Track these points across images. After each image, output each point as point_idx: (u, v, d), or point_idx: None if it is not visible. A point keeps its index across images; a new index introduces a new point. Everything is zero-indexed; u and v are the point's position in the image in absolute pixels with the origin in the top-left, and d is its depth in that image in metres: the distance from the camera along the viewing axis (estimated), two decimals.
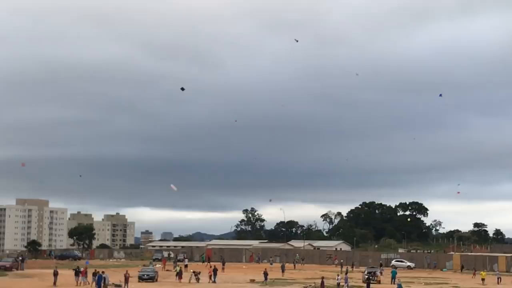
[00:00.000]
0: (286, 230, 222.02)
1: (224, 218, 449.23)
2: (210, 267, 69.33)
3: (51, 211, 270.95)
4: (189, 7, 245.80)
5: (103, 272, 52.97)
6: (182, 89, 67.28)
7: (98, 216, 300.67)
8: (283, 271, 76.77)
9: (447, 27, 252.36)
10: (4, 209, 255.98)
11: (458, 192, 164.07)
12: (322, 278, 53.71)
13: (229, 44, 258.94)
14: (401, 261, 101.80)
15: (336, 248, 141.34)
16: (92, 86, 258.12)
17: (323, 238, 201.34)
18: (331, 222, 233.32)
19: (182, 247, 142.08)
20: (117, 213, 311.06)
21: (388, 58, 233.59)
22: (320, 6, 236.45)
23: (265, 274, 63.73)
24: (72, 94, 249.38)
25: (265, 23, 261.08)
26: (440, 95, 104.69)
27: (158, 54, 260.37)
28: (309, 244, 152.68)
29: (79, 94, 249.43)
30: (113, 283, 55.03)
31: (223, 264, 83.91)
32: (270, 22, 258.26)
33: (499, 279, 70.92)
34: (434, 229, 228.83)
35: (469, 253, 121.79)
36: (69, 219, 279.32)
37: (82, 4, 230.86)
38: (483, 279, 67.98)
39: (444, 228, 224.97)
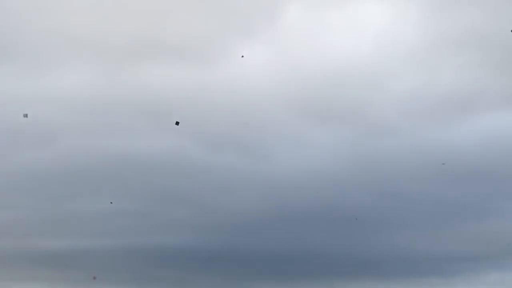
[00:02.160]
0: None
1: None
2: None
3: None
4: (237, 101, 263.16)
5: None
6: (177, 123, 72.73)
7: None
8: None
9: (491, 117, 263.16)
10: None
11: None
12: None
13: (277, 136, 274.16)
14: None
15: None
16: (145, 177, 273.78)
17: None
18: None
19: None
20: None
21: (433, 149, 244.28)
22: (366, 97, 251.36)
23: None
24: (126, 185, 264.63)
25: (313, 114, 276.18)
26: None
27: (210, 145, 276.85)
28: None
29: (133, 185, 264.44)
30: None
31: None
32: (318, 113, 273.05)
33: None
34: None
35: None
36: None
37: (138, 99, 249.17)
38: None
39: None
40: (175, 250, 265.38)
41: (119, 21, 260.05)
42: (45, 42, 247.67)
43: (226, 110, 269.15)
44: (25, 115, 68.72)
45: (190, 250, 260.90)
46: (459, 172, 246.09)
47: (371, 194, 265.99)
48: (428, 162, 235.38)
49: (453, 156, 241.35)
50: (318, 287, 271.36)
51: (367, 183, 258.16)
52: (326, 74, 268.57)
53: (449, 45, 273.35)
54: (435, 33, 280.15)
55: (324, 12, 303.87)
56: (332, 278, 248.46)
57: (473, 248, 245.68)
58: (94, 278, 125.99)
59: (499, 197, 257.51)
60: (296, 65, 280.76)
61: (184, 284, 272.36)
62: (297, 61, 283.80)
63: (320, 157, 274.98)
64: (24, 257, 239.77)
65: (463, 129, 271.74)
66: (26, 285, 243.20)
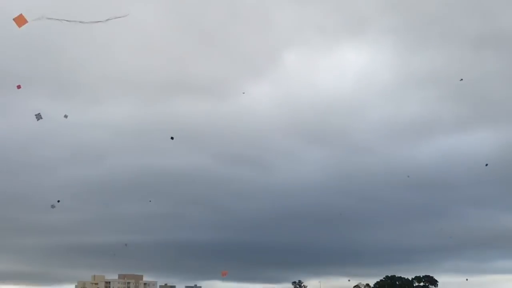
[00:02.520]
0: None
1: None
2: None
3: (145, 284, 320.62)
4: (247, 127, 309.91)
5: None
6: (172, 138, 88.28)
7: (180, 287, 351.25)
8: None
9: (446, 139, 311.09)
10: (109, 282, 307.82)
11: None
12: None
13: (279, 154, 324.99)
14: None
15: None
16: (175, 186, 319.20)
17: None
18: None
19: None
20: (195, 285, 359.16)
21: (400, 164, 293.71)
22: (348, 123, 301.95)
23: None
24: (160, 193, 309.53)
25: (307, 137, 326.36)
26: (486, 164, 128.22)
27: (225, 161, 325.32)
28: None
29: (165, 193, 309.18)
30: None
31: None
32: (311, 136, 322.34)
33: None
34: None
35: None
36: None
37: (169, 126, 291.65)
38: None
39: None
40: (199, 244, 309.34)
41: (155, 65, 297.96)
42: (97, 82, 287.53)
43: (238, 134, 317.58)
44: (65, 116, 75.07)
45: (211, 243, 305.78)
46: (421, 182, 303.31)
47: (352, 200, 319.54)
48: (397, 174, 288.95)
49: (416, 169, 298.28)
50: (311, 271, 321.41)
51: (349, 191, 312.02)
52: (317, 105, 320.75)
53: (413, 83, 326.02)
54: (402, 73, 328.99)
55: (315, 57, 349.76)
56: (322, 265, 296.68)
57: (433, 241, 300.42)
58: (126, 245, 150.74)
59: (453, 202, 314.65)
60: (293, 98, 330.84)
61: (206, 270, 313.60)
62: (293, 95, 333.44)
63: (313, 171, 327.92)
64: (83, 249, 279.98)
65: (424, 149, 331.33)
66: (85, 271, 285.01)
